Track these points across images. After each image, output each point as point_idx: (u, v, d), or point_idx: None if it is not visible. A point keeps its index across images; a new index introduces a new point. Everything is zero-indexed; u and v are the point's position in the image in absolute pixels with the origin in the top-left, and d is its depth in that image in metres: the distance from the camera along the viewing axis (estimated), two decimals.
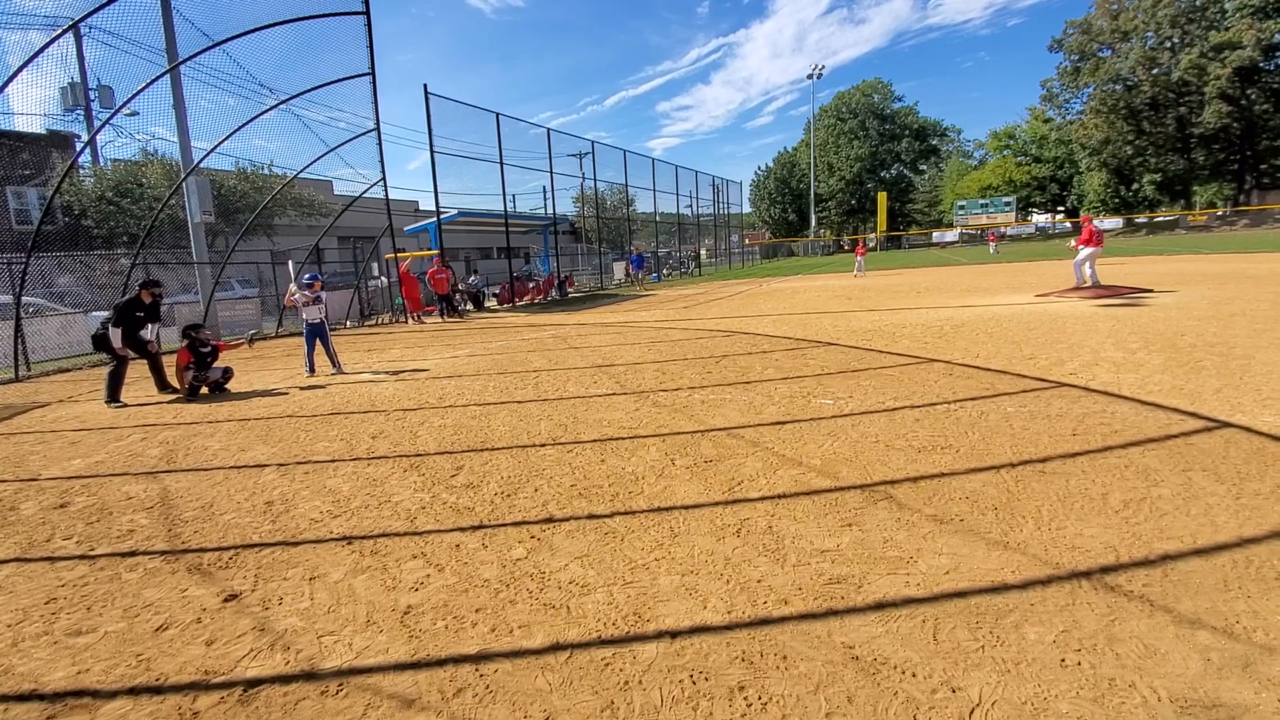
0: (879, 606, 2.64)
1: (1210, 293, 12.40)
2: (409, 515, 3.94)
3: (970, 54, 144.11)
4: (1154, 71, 57.28)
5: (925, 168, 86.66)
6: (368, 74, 16.08)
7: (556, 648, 2.49)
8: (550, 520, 3.72)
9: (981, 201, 67.70)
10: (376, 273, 23.34)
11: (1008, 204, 66.49)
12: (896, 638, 2.42)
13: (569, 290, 27.92)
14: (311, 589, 3.10)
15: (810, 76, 68.21)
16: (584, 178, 33.00)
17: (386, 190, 17.99)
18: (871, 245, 65.47)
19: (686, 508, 3.78)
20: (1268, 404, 5.09)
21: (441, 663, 2.44)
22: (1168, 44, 57.01)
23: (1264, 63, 52.45)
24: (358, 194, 18.38)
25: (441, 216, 21.27)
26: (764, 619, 2.60)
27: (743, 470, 4.34)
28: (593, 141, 29.94)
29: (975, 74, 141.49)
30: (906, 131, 79.88)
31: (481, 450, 5.19)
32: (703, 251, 49.61)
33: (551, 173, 26.56)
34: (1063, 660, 2.24)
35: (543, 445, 5.22)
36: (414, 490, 4.37)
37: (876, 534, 3.27)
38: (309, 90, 15.95)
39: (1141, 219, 58.22)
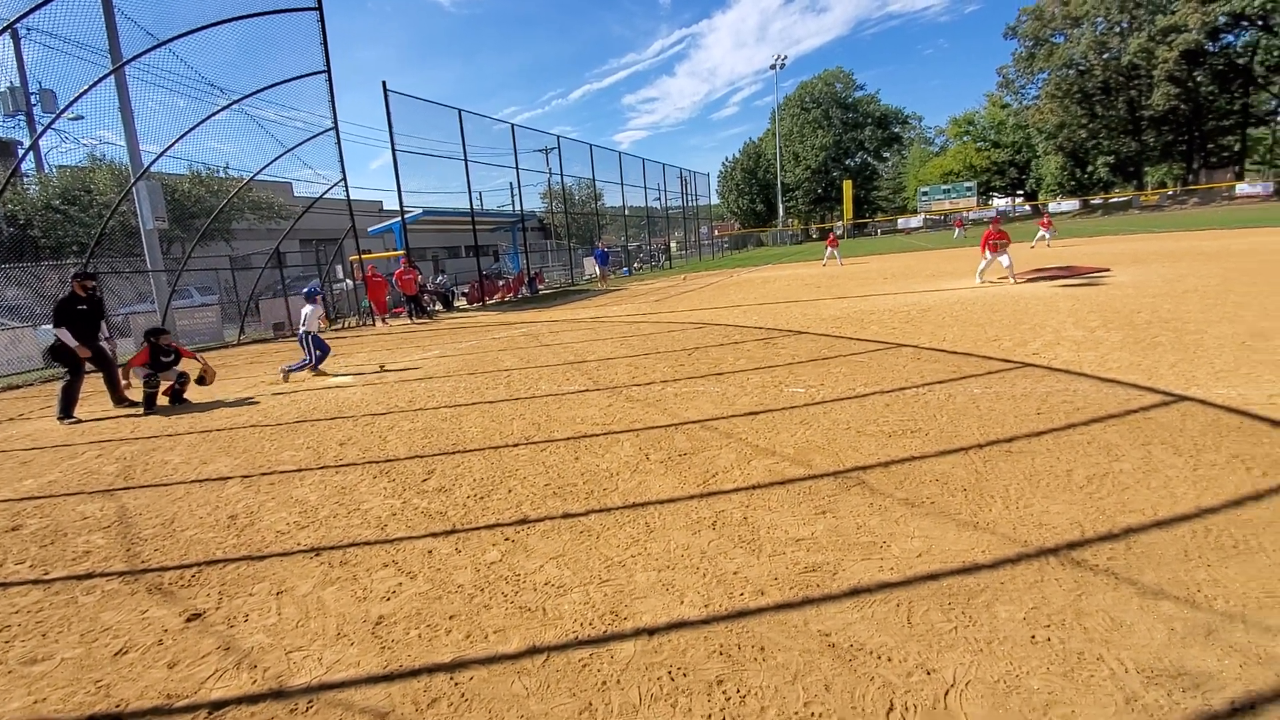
0: (854, 593, 2.66)
1: (1164, 271, 12.80)
2: (379, 523, 3.86)
3: (930, 41, 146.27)
4: (1105, 56, 58.82)
5: (888, 155, 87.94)
6: (323, 71, 15.71)
7: (533, 651, 2.45)
8: (524, 521, 3.67)
9: (944, 187, 68.91)
10: (341, 275, 22.89)
11: (969, 189, 67.79)
12: (872, 623, 2.44)
13: (540, 287, 27.72)
14: (278, 604, 3.01)
15: (773, 67, 68.61)
16: (551, 173, 32.77)
17: (348, 190, 17.63)
18: (839, 234, 66.26)
19: (662, 502, 3.76)
20: (1220, 377, 5.26)
21: (415, 673, 2.39)
22: (1117, 28, 58.56)
23: (1209, 45, 54.16)
24: (318, 195, 17.97)
25: (406, 216, 20.91)
26: (741, 611, 2.59)
27: (717, 462, 4.35)
28: (558, 136, 29.76)
29: (935, 61, 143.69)
30: (869, 120, 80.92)
31: (453, 453, 5.11)
32: (673, 244, 49.71)
33: (517, 169, 26.30)
34: (1033, 637, 2.28)
35: (516, 445, 5.16)
36: (384, 497, 4.29)
37: (850, 520, 3.30)
38: (262, 90, 15.53)
39: (1097, 200, 59.81)
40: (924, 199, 69.50)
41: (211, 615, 2.96)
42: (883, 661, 2.22)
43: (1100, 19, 58.93)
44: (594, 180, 33.25)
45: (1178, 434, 4.11)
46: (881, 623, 2.44)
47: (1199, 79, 55.58)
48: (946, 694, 2.05)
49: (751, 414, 5.41)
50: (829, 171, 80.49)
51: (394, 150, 19.44)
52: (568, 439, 5.20)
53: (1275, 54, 51.41)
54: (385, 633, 2.69)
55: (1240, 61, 54.36)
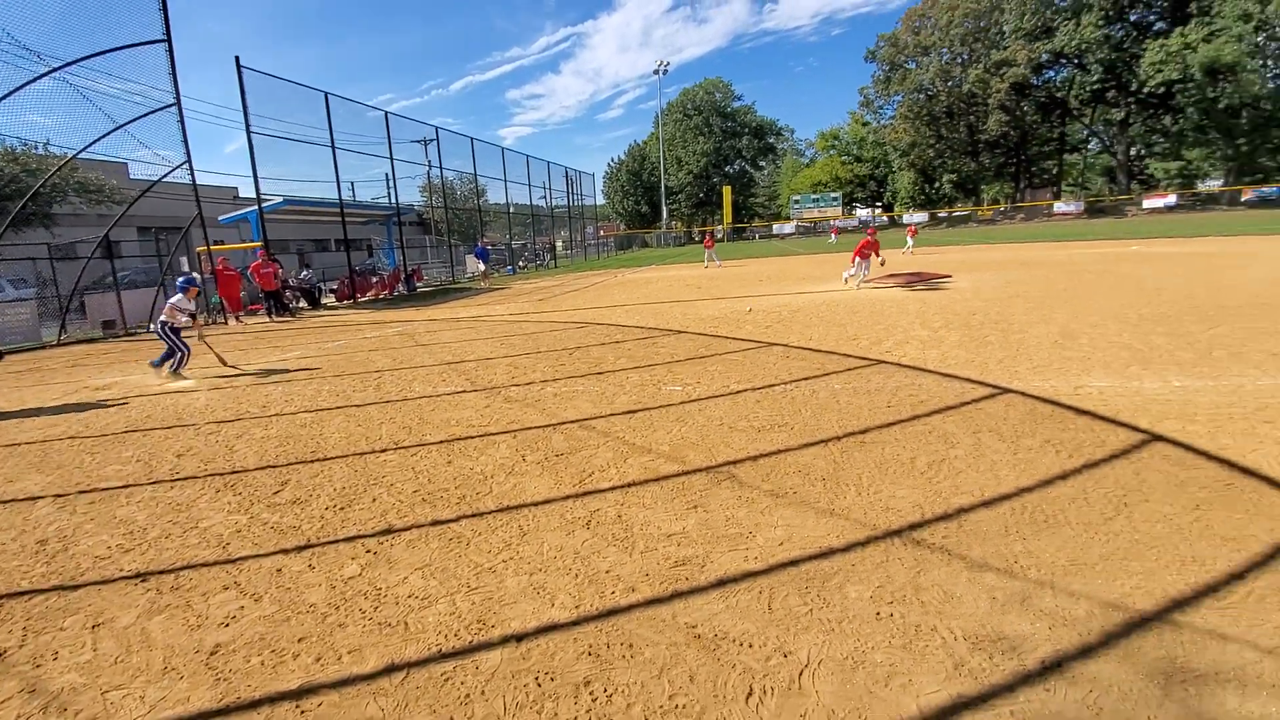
0: (721, 583, 2.74)
1: (995, 278, 14.41)
2: (221, 541, 3.49)
3: (801, 59, 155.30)
4: (949, 83, 65.43)
5: (764, 164, 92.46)
6: (162, 40, 14.06)
7: (391, 669, 2.31)
8: (389, 531, 3.47)
9: (813, 197, 73.46)
10: (187, 268, 20.62)
11: (835, 199, 72.74)
12: (736, 612, 2.53)
13: (417, 285, 26.48)
14: (94, 638, 2.64)
15: (656, 72, 69.92)
16: (430, 166, 31.41)
17: (193, 174, 15.89)
18: (719, 237, 68.76)
19: (537, 504, 3.70)
20: (1038, 371, 5.98)
21: (255, 704, 2.18)
22: (959, 59, 65.33)
23: (1034, 79, 61.74)
24: (157, 178, 16.05)
25: (264, 204, 19.20)
26: (612, 609, 2.59)
27: (594, 461, 4.34)
28: (437, 127, 28.56)
29: (805, 78, 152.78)
30: (746, 129, 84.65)
31: (311, 461, 4.73)
32: (559, 243, 49.34)
33: (391, 159, 24.94)
34: (878, 614, 2.46)
35: (384, 451, 4.87)
36: (228, 512, 3.89)
37: (720, 513, 3.40)
38: (89, 57, 13.64)
39: (943, 214, 66.27)
40: (796, 207, 73.76)
41: (14, 654, 2.55)
42: (744, 648, 2.30)
43: (945, 50, 65.52)
44: (475, 175, 32.25)
45: (1002, 422, 4.61)
46: (745, 611, 2.53)
47: (1025, 109, 63.28)
48: (801, 674, 2.15)
49: (630, 412, 5.46)
50: (710, 177, 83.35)
51: (249, 132, 17.79)
52: (441, 442, 4.99)
53: (1087, 89, 59.48)
54: (222, 663, 2.43)
55: (1059, 95, 62.45)
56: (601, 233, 66.94)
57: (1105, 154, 67.74)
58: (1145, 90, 55.19)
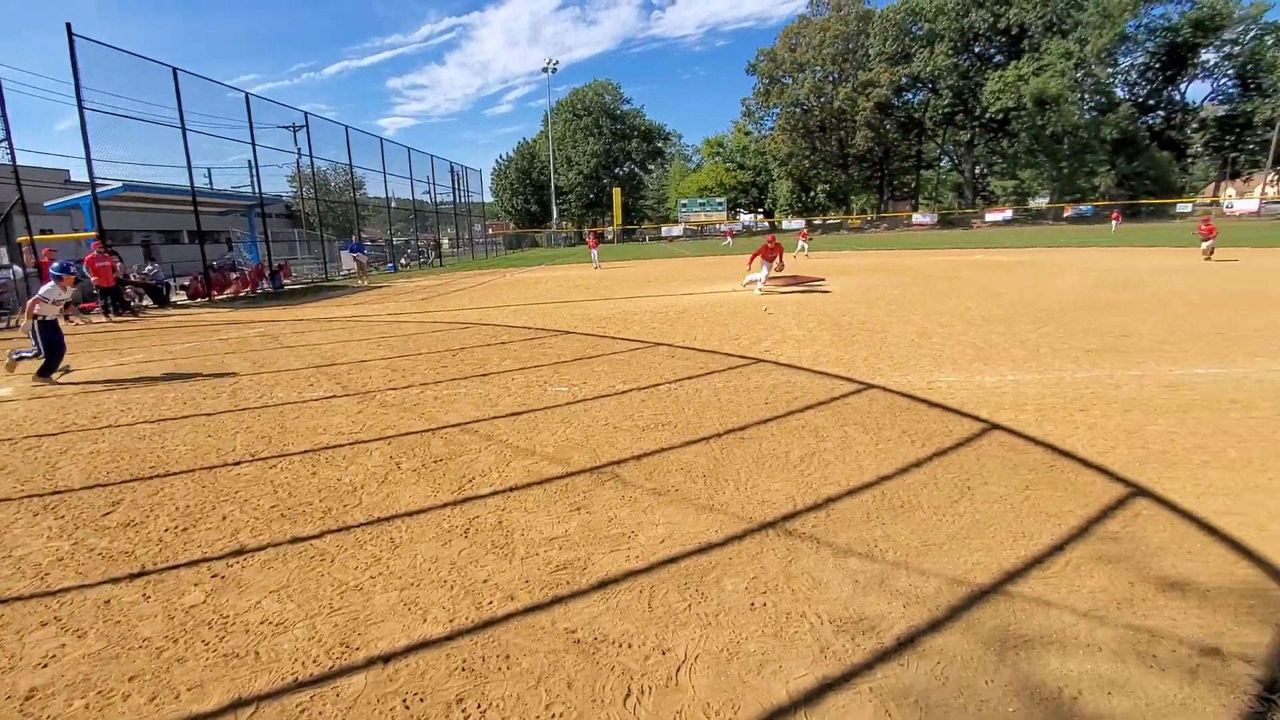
0: (602, 585, 2.72)
1: (862, 281, 15.52)
2: (39, 572, 3.03)
3: (688, 68, 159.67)
4: (821, 100, 69.85)
5: (653, 168, 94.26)
6: None
7: (238, 704, 2.09)
8: (241, 552, 3.16)
9: (700, 201, 75.75)
10: (6, 260, 17.82)
11: (720, 204, 75.43)
12: (616, 613, 2.52)
13: (284, 282, 24.52)
14: None
15: (545, 69, 69.22)
16: (300, 154, 29.16)
17: (13, 152, 13.82)
18: (609, 239, 69.22)
19: (411, 514, 3.51)
20: (897, 367, 6.48)
21: None
22: (830, 78, 69.88)
23: (895, 100, 67.26)
24: None
25: (99, 190, 16.99)
26: (489, 620, 2.50)
27: (475, 466, 4.19)
28: (306, 113, 26.58)
29: (693, 86, 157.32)
30: (635, 132, 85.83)
31: (150, 478, 4.22)
32: (444, 241, 47.54)
33: (254, 144, 22.90)
34: (752, 604, 2.54)
35: (238, 464, 4.44)
36: (47, 539, 3.38)
37: (603, 514, 3.39)
38: None
39: (818, 221, 70.55)
40: (684, 210, 75.77)
41: None
42: (624, 649, 2.30)
43: (818, 67, 69.86)
44: (350, 165, 30.33)
45: (866, 415, 4.95)
46: (625, 611, 2.53)
47: (888, 127, 68.87)
48: (678, 670, 2.18)
49: (514, 414, 5.33)
50: (600, 178, 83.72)
51: (80, 108, 15.66)
52: (305, 452, 4.62)
53: (940, 112, 65.64)
54: (38, 708, 2.10)
55: (916, 116, 68.46)
56: (490, 231, 65.34)
57: (955, 171, 75.08)
58: (987, 115, 61.81)
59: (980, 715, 1.95)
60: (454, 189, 44.82)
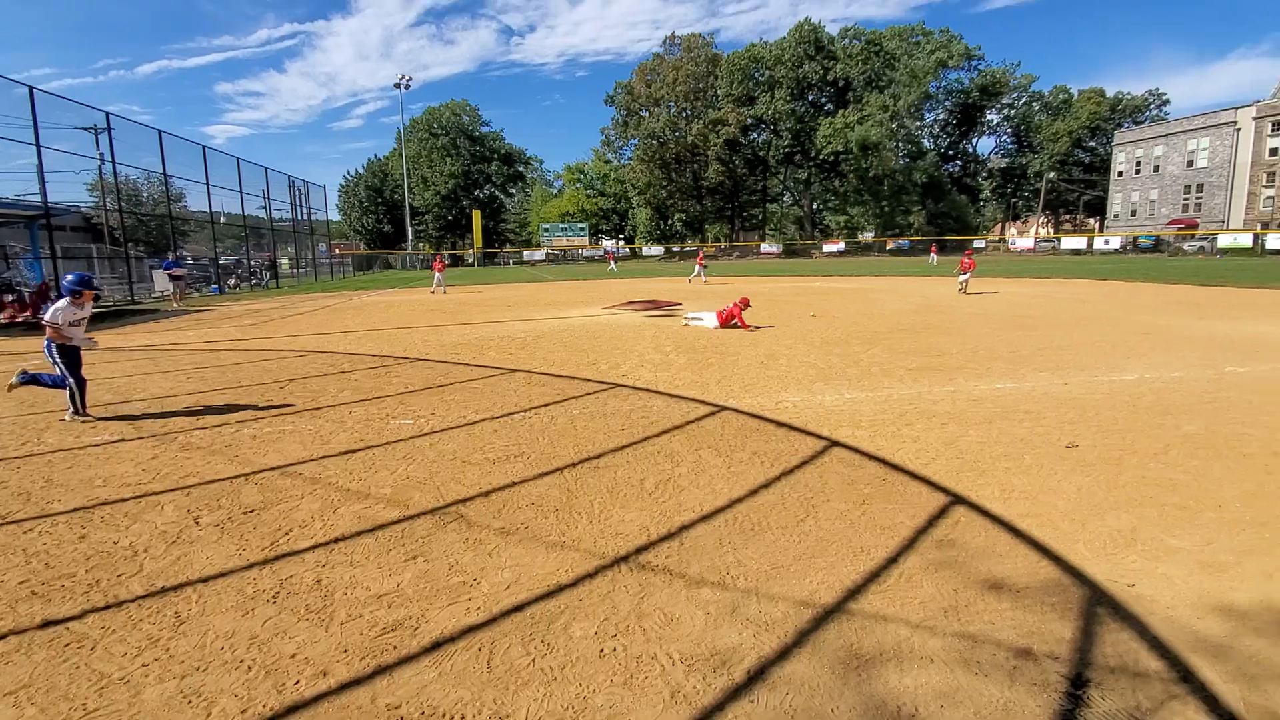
0: (436, 646, 2.42)
1: (716, 305, 16.17)
2: None
3: (548, 94, 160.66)
4: (676, 134, 73.37)
5: (514, 191, 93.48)
6: None
7: None
8: None
9: (562, 226, 76.04)
10: None
11: (582, 229, 76.21)
12: (450, 678, 2.23)
13: None
14: None
15: (398, 86, 66.25)
16: (102, 160, 25.37)
17: None
18: (469, 262, 67.31)
19: (207, 579, 2.96)
20: (748, 389, 6.70)
21: None
22: (684, 113, 73.65)
23: (742, 139, 72.19)
24: None
25: None
26: (293, 705, 2.11)
27: (294, 515, 3.67)
28: (109, 114, 23.26)
29: (553, 112, 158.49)
30: (496, 155, 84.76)
31: None
32: (284, 261, 43.55)
33: (38, 146, 19.56)
34: (601, 651, 2.37)
35: None
36: None
37: (442, 561, 3.07)
38: None
39: (675, 248, 73.46)
40: (546, 234, 75.63)
41: None
42: None
43: (673, 103, 73.40)
44: (165, 175, 26.86)
45: (719, 438, 5.02)
46: (461, 675, 2.25)
47: (737, 162, 73.72)
48: None
49: (348, 453, 4.80)
50: (459, 199, 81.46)
51: None
52: (75, 510, 3.82)
53: (781, 151, 71.34)
54: None
55: (761, 154, 73.90)
56: (337, 251, 60.97)
57: (796, 206, 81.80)
58: (821, 157, 68.23)
59: None
60: (293, 205, 41.28)
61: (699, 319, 12.17)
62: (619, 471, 4.31)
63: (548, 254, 71.13)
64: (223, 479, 4.30)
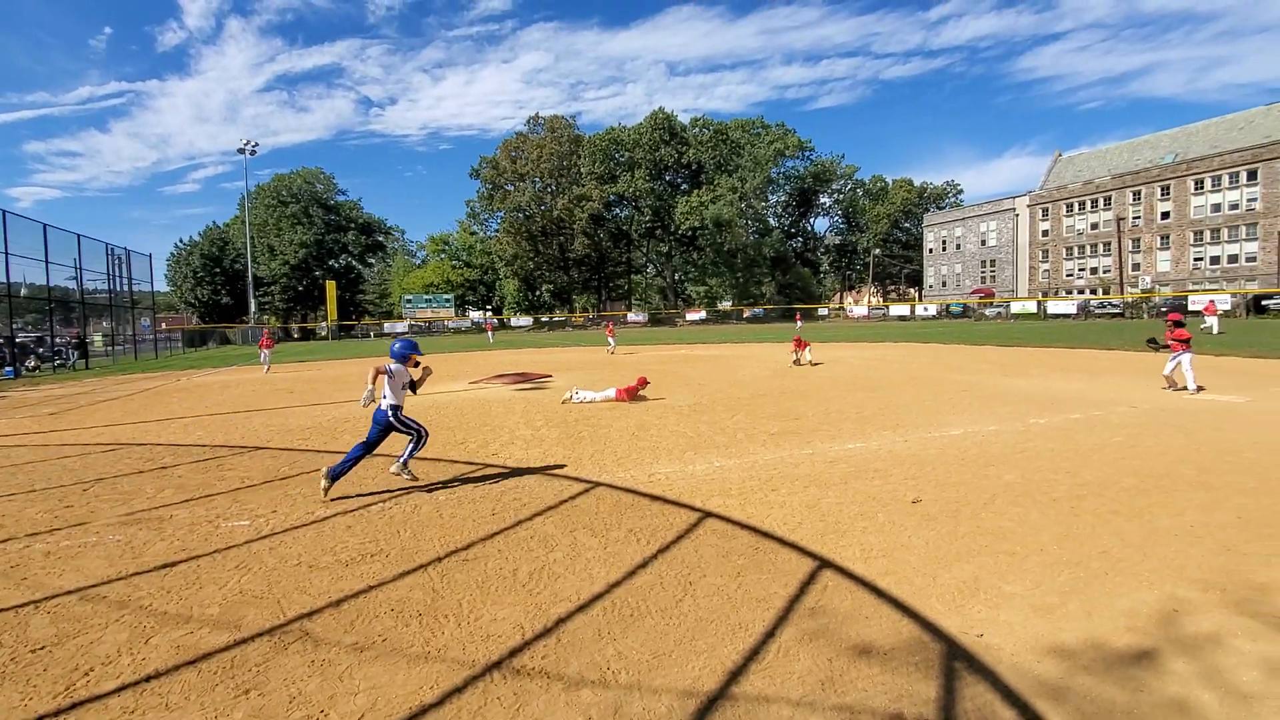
0: None
1: (585, 376, 16.26)
2: None
3: (410, 165, 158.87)
4: (542, 207, 75.10)
5: (374, 261, 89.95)
6: None
7: None
8: None
9: (426, 297, 73.87)
10: None
11: (448, 300, 74.48)
12: None
13: None
14: None
15: (242, 151, 62.33)
16: None
17: None
18: (323, 335, 63.03)
19: None
20: (621, 463, 6.70)
21: None
22: (549, 189, 75.77)
23: (606, 213, 75.26)
24: None
25: None
26: None
27: (96, 651, 3.07)
28: None
29: (415, 183, 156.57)
30: (352, 224, 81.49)
31: None
32: (98, 337, 38.23)
33: None
34: None
35: None
36: None
37: (281, 694, 2.68)
38: None
39: (545, 318, 73.74)
40: (409, 306, 72.96)
41: None
42: None
43: (538, 179, 75.34)
44: None
45: (594, 517, 4.93)
46: None
47: (602, 235, 76.52)
48: None
49: (167, 566, 4.15)
50: (311, 269, 76.87)
51: None
52: None
53: (643, 226, 75.10)
54: None
55: (624, 228, 77.29)
56: (164, 326, 54.63)
57: (659, 277, 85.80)
58: (679, 232, 72.70)
59: None
60: (110, 275, 36.69)
61: (586, 396, 11.32)
62: (490, 563, 4.07)
63: (411, 326, 68.47)
64: (6, 609, 3.52)
